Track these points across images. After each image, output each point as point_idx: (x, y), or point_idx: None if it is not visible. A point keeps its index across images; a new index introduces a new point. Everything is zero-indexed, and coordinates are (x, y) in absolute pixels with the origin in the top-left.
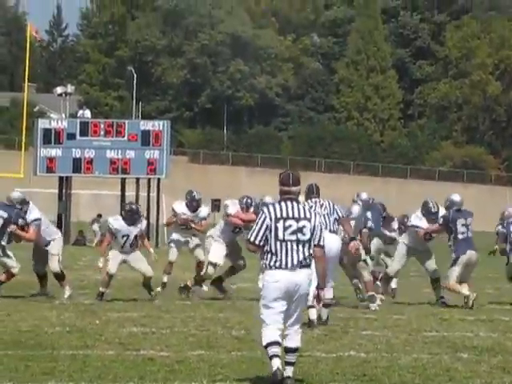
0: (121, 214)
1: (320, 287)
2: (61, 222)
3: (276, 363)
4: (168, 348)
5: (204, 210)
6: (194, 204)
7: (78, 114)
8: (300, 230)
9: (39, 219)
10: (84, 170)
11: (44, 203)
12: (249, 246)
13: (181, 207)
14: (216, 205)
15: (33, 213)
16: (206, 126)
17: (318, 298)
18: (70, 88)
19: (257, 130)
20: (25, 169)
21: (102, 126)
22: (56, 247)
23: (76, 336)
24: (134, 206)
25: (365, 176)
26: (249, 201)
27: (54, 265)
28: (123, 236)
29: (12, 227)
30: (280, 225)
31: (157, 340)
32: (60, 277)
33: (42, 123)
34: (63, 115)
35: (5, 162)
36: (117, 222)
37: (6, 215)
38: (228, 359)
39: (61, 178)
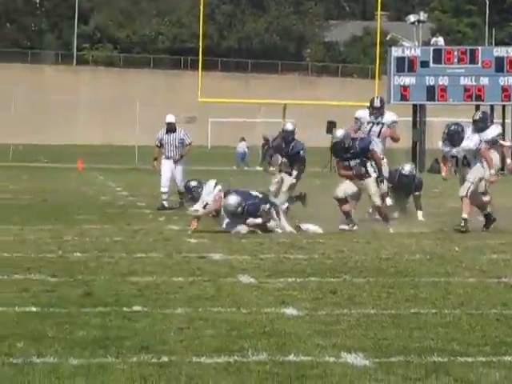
0: None
1: None
2: (415, 150)
3: None
4: None
5: None
6: None
7: (431, 42)
8: None
9: None
10: (438, 97)
11: (399, 131)
12: None
13: None
14: None
15: None
16: None
17: None
18: (422, 16)
19: None
20: None
21: (456, 53)
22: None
23: (436, 263)
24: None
25: None
26: None
27: None
28: None
29: None
30: None
31: None
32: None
33: (395, 51)
34: (416, 43)
35: (359, 90)
36: None
37: None
38: None
39: (414, 106)
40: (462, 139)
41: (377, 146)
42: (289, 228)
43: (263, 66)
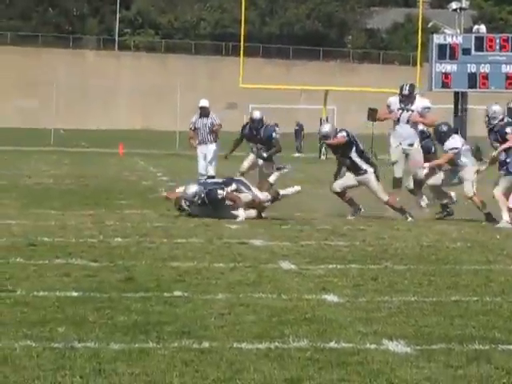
0: None
1: None
2: None
3: None
4: None
5: None
6: None
7: (473, 29)
8: None
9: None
10: (479, 85)
11: (440, 119)
12: None
13: None
14: None
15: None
16: None
17: None
18: (464, 3)
19: None
20: (420, 84)
21: (498, 40)
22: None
23: (477, 251)
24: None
25: None
26: None
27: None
28: None
29: None
30: None
31: None
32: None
33: (437, 38)
34: (458, 30)
35: (400, 77)
36: None
37: None
38: None
39: (456, 94)
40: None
41: (406, 132)
42: (263, 195)
43: (305, 52)
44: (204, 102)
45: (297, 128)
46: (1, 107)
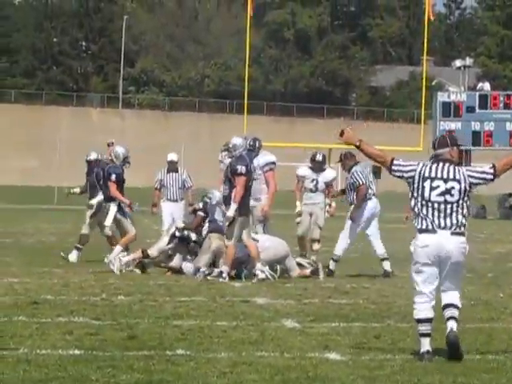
0: None
1: None
2: None
3: (425, 344)
4: None
5: None
6: None
7: (478, 87)
8: (448, 191)
9: None
10: (483, 142)
11: None
12: None
13: None
14: None
15: None
16: None
17: None
18: (468, 61)
19: None
20: (424, 142)
21: (502, 98)
22: None
23: (481, 308)
24: None
25: None
26: None
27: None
28: None
29: None
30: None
31: None
32: None
33: (441, 96)
34: (462, 88)
35: (404, 135)
36: None
37: None
38: None
39: (460, 151)
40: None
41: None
42: None
43: (308, 110)
44: (173, 156)
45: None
46: (3, 165)
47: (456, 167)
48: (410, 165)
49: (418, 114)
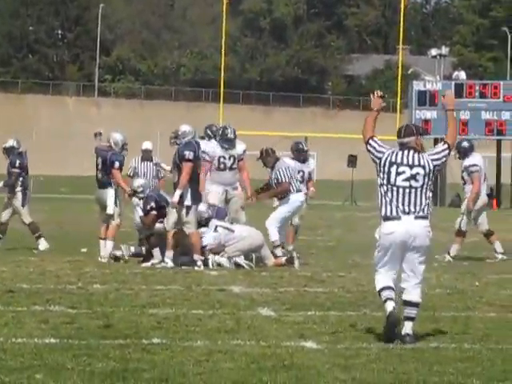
0: None
1: None
2: (436, 184)
3: (390, 305)
4: None
5: None
6: None
7: (453, 76)
8: (413, 176)
9: None
10: (459, 131)
11: None
12: None
13: None
14: None
15: None
16: None
17: None
18: (444, 50)
19: None
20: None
21: (477, 87)
22: None
23: (456, 297)
24: None
25: None
26: None
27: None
28: None
29: None
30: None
31: None
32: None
33: (417, 85)
34: (437, 77)
35: (380, 124)
36: None
37: None
38: None
39: (436, 140)
40: None
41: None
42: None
43: (284, 98)
44: (147, 145)
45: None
46: None
47: (420, 154)
48: (382, 147)
49: (394, 103)
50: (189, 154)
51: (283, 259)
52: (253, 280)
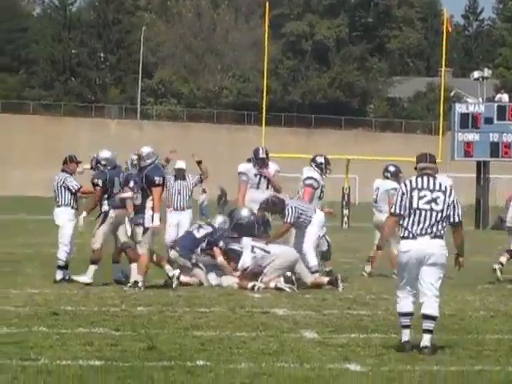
0: None
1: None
2: (479, 207)
3: (405, 334)
4: None
5: None
6: None
7: (495, 98)
8: (434, 200)
9: None
10: (502, 154)
11: (462, 188)
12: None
13: None
14: None
15: None
16: None
17: None
18: (486, 72)
19: None
20: (442, 153)
21: None
22: None
23: (500, 320)
24: None
25: None
26: None
27: None
28: None
29: None
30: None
31: None
32: None
33: (459, 108)
34: (480, 99)
35: (422, 146)
36: None
37: None
38: None
39: (478, 163)
40: None
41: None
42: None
43: (326, 121)
44: (181, 164)
45: (219, 194)
46: (24, 176)
47: (438, 180)
48: (401, 196)
49: (436, 126)
50: (159, 180)
51: (326, 279)
52: (296, 302)
